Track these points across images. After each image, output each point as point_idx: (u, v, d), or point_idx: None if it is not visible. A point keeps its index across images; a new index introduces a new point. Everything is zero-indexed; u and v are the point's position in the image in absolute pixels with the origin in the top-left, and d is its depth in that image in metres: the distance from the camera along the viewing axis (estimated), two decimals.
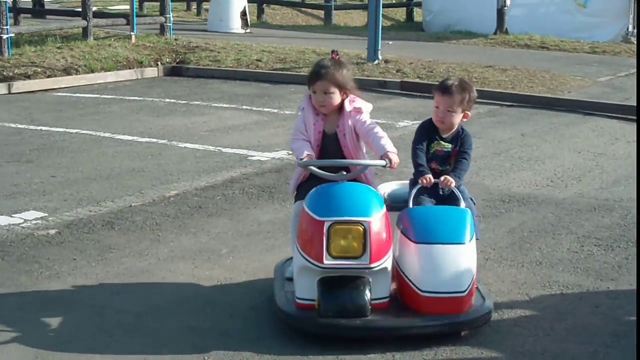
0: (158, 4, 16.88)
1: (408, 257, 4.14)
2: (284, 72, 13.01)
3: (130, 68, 13.14)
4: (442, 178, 4.38)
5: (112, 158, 7.72)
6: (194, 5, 24.66)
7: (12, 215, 5.97)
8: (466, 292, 4.06)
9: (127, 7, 15.85)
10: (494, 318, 4.28)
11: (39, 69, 12.20)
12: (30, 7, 21.17)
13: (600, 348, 4.04)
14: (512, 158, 8.04)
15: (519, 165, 7.78)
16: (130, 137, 8.61)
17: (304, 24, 23.45)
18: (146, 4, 23.85)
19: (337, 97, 4.34)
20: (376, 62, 13.29)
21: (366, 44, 13.56)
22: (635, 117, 9.67)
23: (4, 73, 11.83)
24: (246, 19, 19.00)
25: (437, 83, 4.68)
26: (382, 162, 4.18)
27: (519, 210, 6.32)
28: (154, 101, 10.96)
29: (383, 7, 14.56)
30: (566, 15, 19.11)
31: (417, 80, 12.32)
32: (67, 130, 8.92)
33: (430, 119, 4.53)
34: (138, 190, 6.67)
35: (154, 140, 8.51)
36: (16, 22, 17.41)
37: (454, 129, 4.50)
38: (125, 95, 11.36)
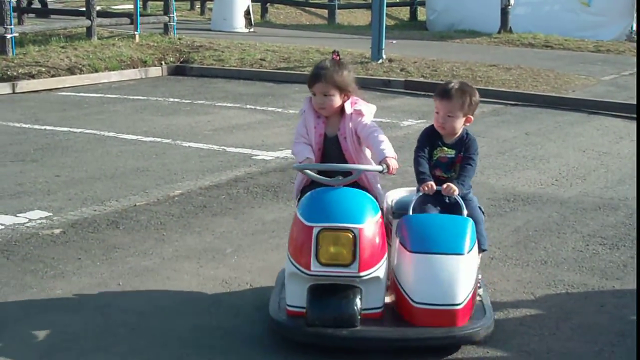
0: (162, 3, 16.92)
1: (403, 267, 3.99)
2: (288, 72, 13.00)
3: (134, 67, 13.16)
4: (444, 186, 4.19)
5: (117, 157, 7.72)
6: (197, 5, 24.72)
7: (17, 214, 5.97)
8: (462, 305, 3.87)
9: (131, 6, 15.88)
10: (499, 317, 4.26)
11: (43, 69, 12.20)
12: (31, 7, 21.21)
13: (606, 347, 4.03)
14: (517, 157, 8.03)
15: (524, 164, 7.76)
16: (134, 137, 8.61)
17: (307, 23, 23.46)
18: (150, 3, 23.89)
19: (337, 100, 4.18)
20: (380, 61, 13.29)
21: (370, 43, 13.57)
22: None
23: (8, 73, 11.84)
24: (250, 18, 19.01)
25: (440, 83, 4.50)
26: (379, 168, 4.05)
27: (524, 209, 6.31)
28: (158, 100, 10.97)
29: (387, 6, 14.56)
30: (570, 14, 19.10)
31: (421, 79, 12.32)
32: (72, 129, 8.93)
33: (433, 124, 4.35)
34: (142, 189, 6.67)
35: (158, 139, 8.51)
36: (20, 22, 17.45)
37: (457, 134, 4.31)
38: (129, 95, 11.37)
